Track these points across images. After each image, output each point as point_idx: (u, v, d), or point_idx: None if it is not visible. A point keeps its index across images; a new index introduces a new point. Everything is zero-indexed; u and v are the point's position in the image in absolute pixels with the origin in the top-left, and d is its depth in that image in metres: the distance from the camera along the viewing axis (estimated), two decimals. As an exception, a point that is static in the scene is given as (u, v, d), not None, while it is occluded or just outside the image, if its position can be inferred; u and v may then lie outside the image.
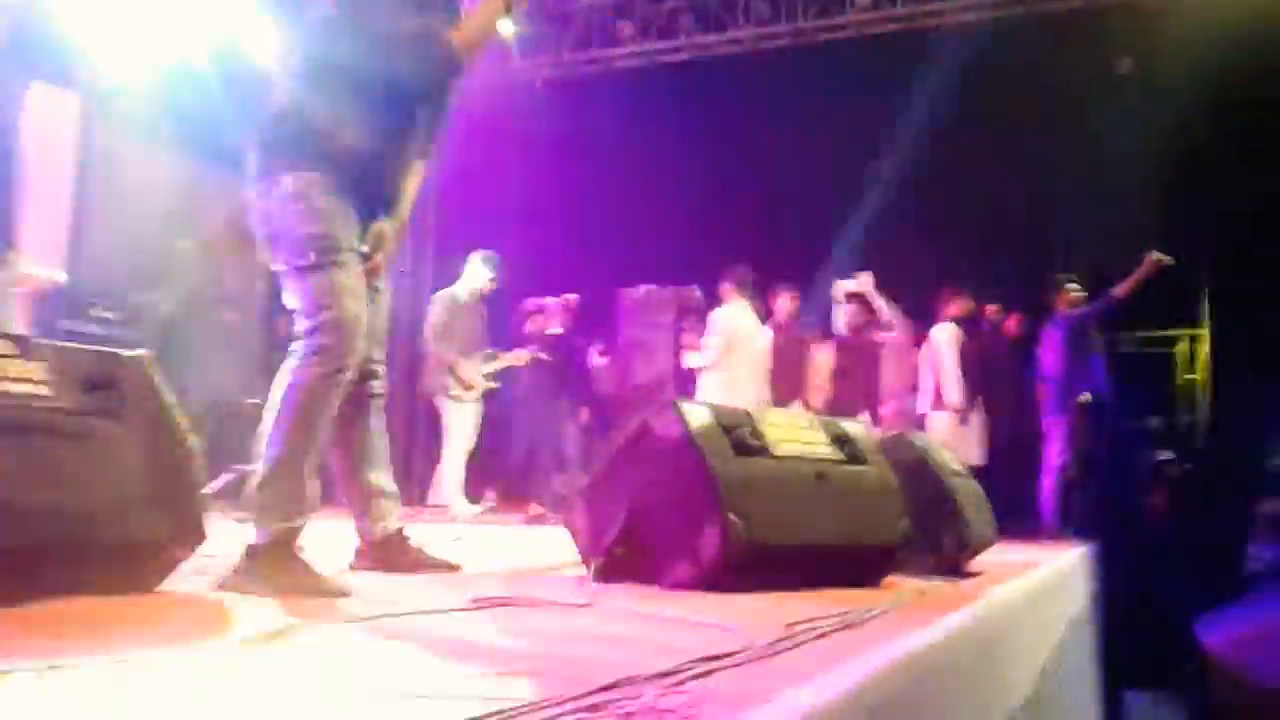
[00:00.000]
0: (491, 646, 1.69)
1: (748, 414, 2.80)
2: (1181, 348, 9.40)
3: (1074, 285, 7.03)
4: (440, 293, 6.99)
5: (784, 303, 7.50)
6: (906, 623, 2.00)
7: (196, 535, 2.16)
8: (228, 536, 2.40)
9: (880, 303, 7.46)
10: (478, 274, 6.86)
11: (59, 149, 7.58)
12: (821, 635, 1.77)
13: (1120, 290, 6.69)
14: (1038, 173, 8.61)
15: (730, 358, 6.98)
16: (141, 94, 7.86)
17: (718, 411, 2.74)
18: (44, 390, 2.02)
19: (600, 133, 9.62)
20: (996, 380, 7.46)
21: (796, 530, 2.65)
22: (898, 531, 2.86)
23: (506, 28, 7.50)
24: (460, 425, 6.80)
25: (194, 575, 2.27)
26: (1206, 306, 9.22)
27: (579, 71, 10.03)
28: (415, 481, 8.52)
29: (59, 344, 2.20)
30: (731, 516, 2.50)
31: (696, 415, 2.67)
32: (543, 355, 7.63)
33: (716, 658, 1.45)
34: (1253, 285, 8.17)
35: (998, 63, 8.45)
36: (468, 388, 6.75)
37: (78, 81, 7.51)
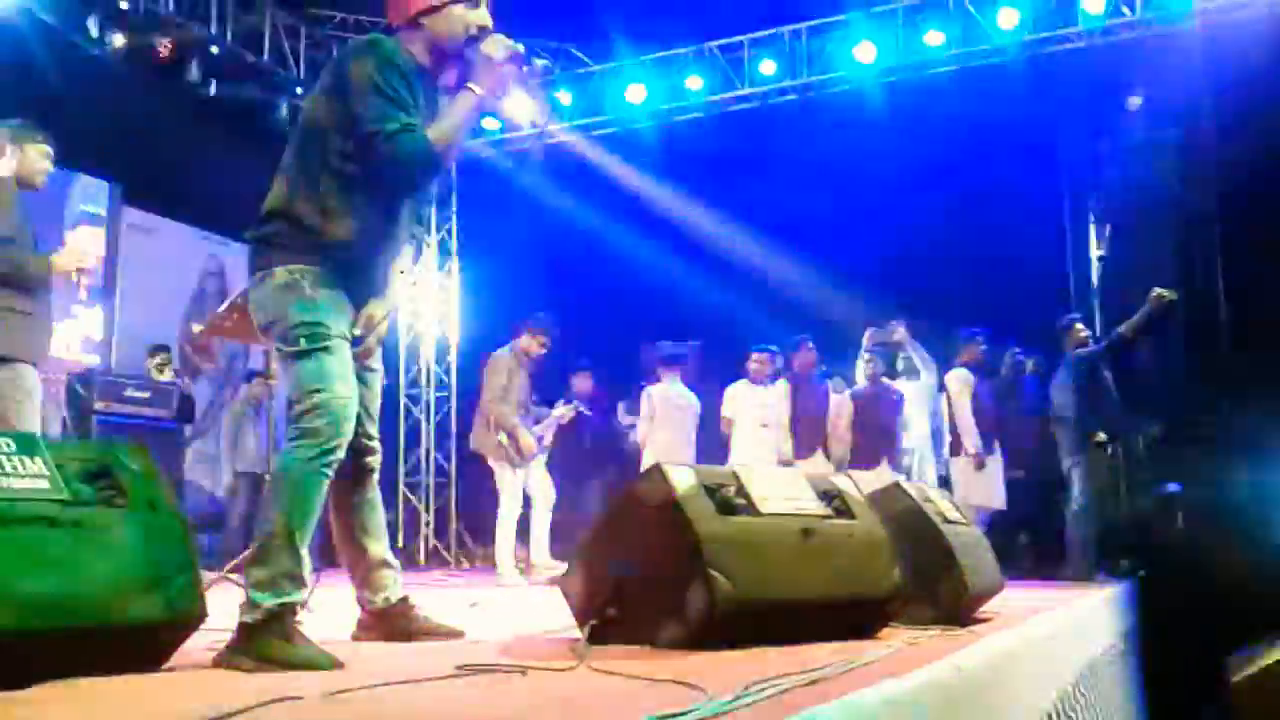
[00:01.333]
0: (460, 713, 1.76)
1: (734, 474, 2.87)
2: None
3: (1080, 325, 7.05)
4: (497, 353, 7.11)
5: (802, 354, 7.59)
6: (883, 673, 2.03)
7: (197, 615, 2.26)
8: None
9: (913, 351, 7.55)
10: (533, 336, 7.00)
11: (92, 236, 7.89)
12: (783, 691, 1.82)
13: (1126, 329, 6.71)
14: (1050, 214, 8.66)
15: (662, 432, 7.49)
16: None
17: (702, 473, 2.81)
18: (43, 484, 2.14)
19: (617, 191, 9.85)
20: (1015, 424, 7.47)
21: (784, 586, 2.70)
22: (890, 583, 2.90)
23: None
24: (515, 488, 6.92)
25: (206, 651, 2.38)
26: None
27: (590, 132, 10.26)
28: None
29: (57, 439, 2.33)
30: (716, 575, 2.56)
31: (680, 478, 2.74)
32: (585, 410, 7.80)
33: (665, 718, 1.51)
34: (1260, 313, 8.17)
35: (1010, 102, 8.55)
36: (525, 454, 6.85)
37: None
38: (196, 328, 4.95)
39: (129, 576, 2.17)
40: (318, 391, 2.48)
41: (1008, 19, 8.66)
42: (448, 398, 11.08)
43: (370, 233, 2.68)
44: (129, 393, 7.07)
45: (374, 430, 2.86)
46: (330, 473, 2.49)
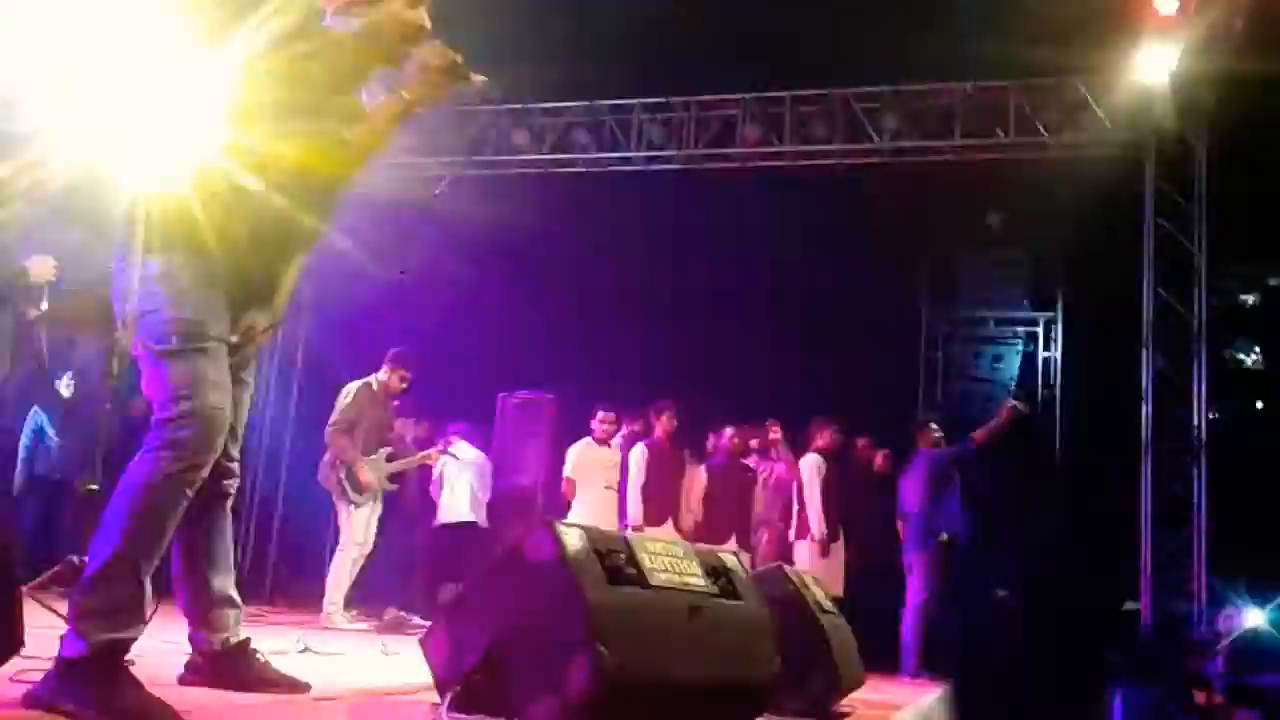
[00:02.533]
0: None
1: (625, 540, 2.71)
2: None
3: (935, 426, 7.26)
4: (351, 384, 6.76)
5: (664, 420, 7.51)
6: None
7: (11, 644, 1.94)
8: (56, 636, 2.16)
9: (784, 451, 7.60)
10: (394, 371, 6.70)
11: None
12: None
13: (979, 435, 6.93)
14: (912, 313, 8.94)
15: (582, 489, 7.39)
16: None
17: (593, 535, 2.63)
18: None
19: (488, 234, 9.62)
20: (860, 513, 7.56)
21: (668, 666, 2.54)
22: (770, 669, 2.79)
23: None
24: (356, 528, 6.52)
25: (10, 684, 2.03)
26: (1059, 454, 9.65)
27: (471, 173, 10.02)
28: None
29: None
30: (601, 649, 2.38)
31: (571, 538, 2.57)
32: (453, 454, 7.54)
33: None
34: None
35: (877, 205, 8.80)
36: (363, 491, 6.48)
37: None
38: (32, 313, 4.50)
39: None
40: (187, 398, 2.20)
41: (889, 123, 8.96)
42: (285, 423, 10.49)
43: (266, 233, 2.43)
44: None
45: (236, 451, 2.57)
46: (191, 492, 2.20)
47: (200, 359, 2.24)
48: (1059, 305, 9.92)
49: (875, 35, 7.94)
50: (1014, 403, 6.87)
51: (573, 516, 7.21)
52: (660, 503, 7.33)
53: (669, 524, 7.35)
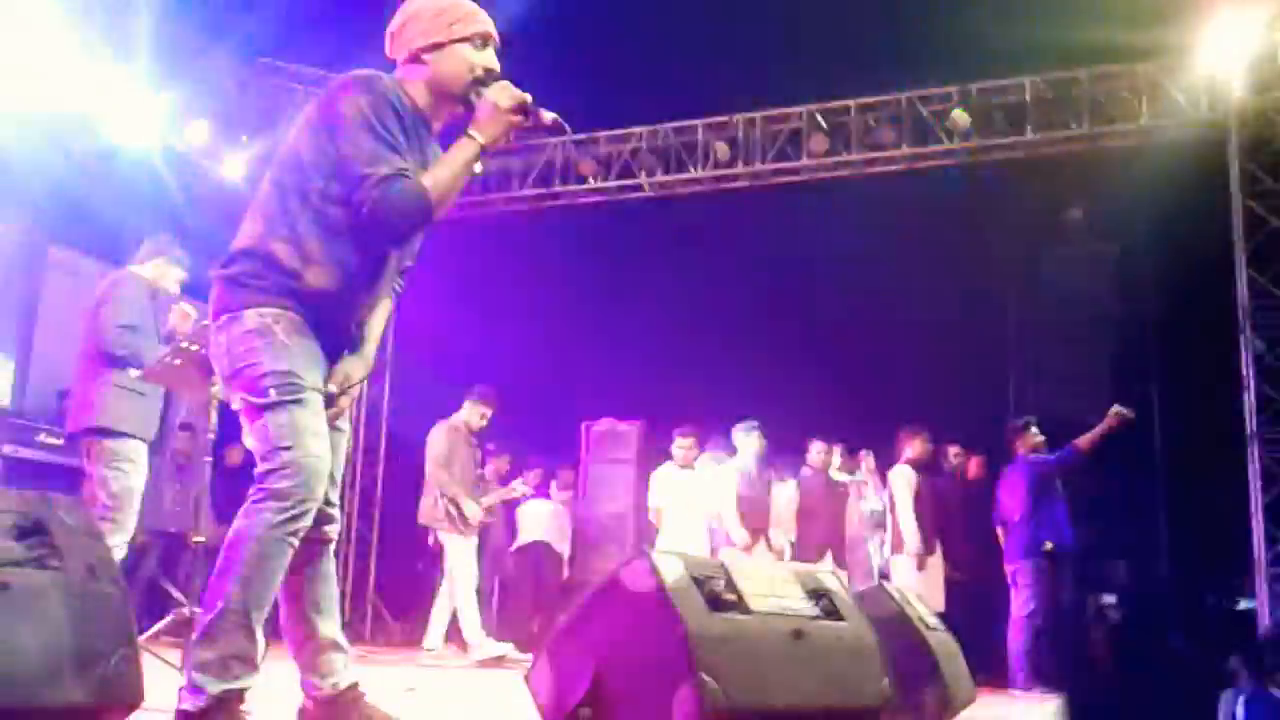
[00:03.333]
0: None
1: (722, 565, 2.69)
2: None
3: (1035, 430, 7.04)
4: (439, 424, 6.99)
5: (754, 440, 7.45)
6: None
7: (132, 698, 1.99)
8: (168, 688, 2.21)
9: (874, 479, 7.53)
10: (474, 407, 6.90)
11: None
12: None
13: (1083, 442, 6.72)
14: (996, 315, 8.77)
15: (670, 515, 7.34)
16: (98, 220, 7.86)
17: (690, 563, 2.62)
18: (-31, 538, 1.88)
19: (561, 267, 9.71)
20: (955, 524, 7.40)
21: (774, 692, 2.51)
22: (880, 692, 2.73)
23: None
24: (468, 560, 6.72)
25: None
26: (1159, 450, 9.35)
27: (540, 206, 10.12)
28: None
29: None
30: (706, 678, 2.36)
31: (670, 567, 2.55)
32: (530, 488, 7.69)
33: None
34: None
35: (956, 207, 8.66)
36: (471, 520, 6.67)
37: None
38: (133, 373, 4.64)
39: (61, 651, 1.90)
40: (288, 449, 2.24)
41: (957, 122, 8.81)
42: (376, 463, 10.67)
43: (350, 282, 2.47)
44: (41, 438, 6.64)
45: (335, 497, 2.60)
46: (296, 541, 2.24)
47: (298, 409, 2.28)
48: (1149, 296, 9.63)
49: (937, 35, 7.83)
50: (1119, 408, 6.65)
51: (662, 543, 7.18)
52: (752, 523, 7.26)
53: (761, 544, 7.28)
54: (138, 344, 4.60)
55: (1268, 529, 7.28)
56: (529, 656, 6.85)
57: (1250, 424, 7.49)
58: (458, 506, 6.66)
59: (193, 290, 4.74)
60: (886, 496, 7.38)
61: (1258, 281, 7.60)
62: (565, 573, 8.78)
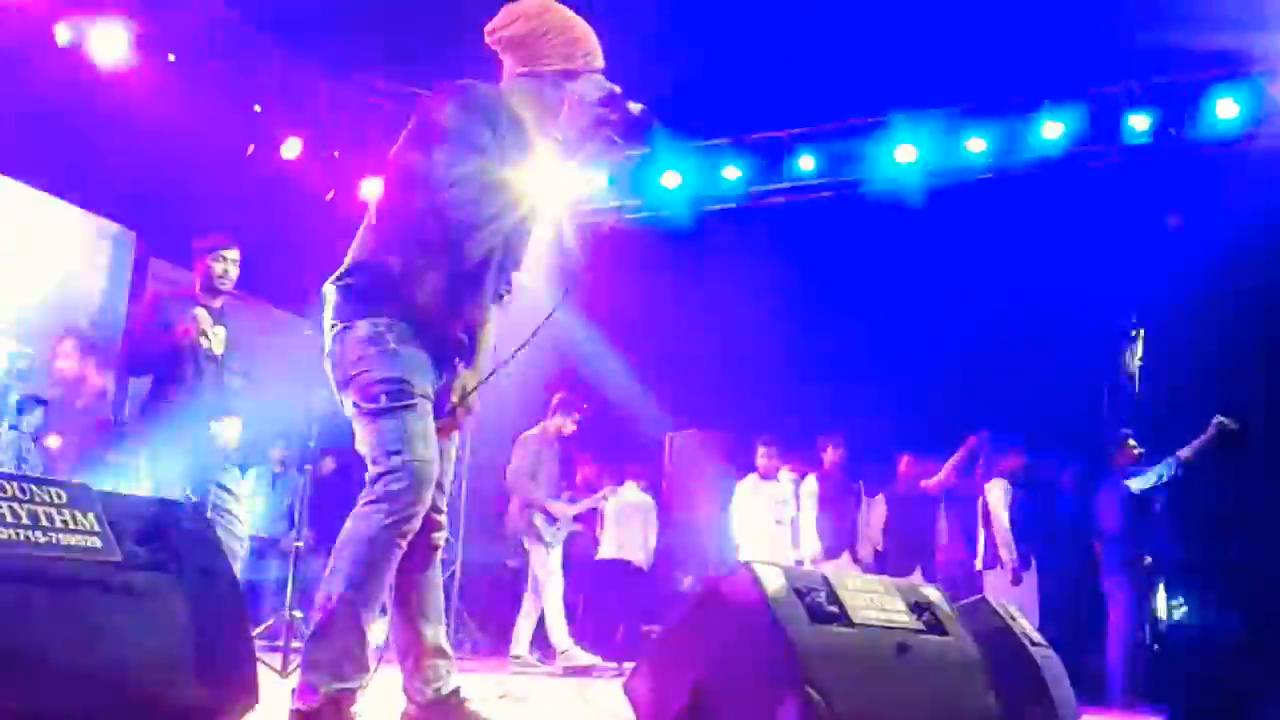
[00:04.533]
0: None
1: (824, 578, 2.65)
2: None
3: (1133, 441, 6.86)
4: (525, 434, 7.06)
5: (829, 453, 7.41)
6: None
7: (249, 699, 2.03)
8: (274, 694, 2.26)
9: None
10: (563, 414, 6.91)
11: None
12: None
13: (1185, 454, 6.52)
14: (1087, 325, 8.54)
15: (751, 526, 7.28)
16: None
17: (792, 574, 2.59)
18: (95, 542, 1.94)
19: (646, 278, 9.71)
20: (1052, 537, 7.23)
21: (879, 706, 2.46)
22: (987, 708, 2.66)
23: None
24: (555, 567, 6.77)
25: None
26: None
27: (626, 217, 10.15)
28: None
29: (112, 493, 2.14)
30: (811, 691, 2.33)
31: (771, 578, 2.53)
32: (621, 495, 7.69)
33: None
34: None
35: (1043, 219, 8.48)
36: (557, 526, 6.76)
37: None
38: (232, 380, 4.70)
39: (181, 653, 1.95)
40: (398, 453, 2.29)
41: (1051, 130, 8.63)
42: (460, 470, 10.79)
43: (455, 292, 2.51)
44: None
45: (443, 504, 2.64)
46: (404, 543, 2.28)
47: (409, 415, 2.33)
48: (1248, 304, 9.26)
49: (1032, 39, 7.68)
50: (1221, 419, 6.44)
51: (743, 554, 7.14)
52: (837, 535, 7.19)
53: (845, 556, 7.20)
54: None
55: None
56: (614, 665, 6.87)
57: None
58: (543, 515, 6.70)
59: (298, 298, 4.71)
60: (980, 511, 7.24)
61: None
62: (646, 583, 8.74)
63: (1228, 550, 7.69)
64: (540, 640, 7.35)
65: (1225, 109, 7.91)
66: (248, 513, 7.56)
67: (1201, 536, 7.18)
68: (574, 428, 7.00)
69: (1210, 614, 7.65)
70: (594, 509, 7.85)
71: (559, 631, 6.68)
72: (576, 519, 7.07)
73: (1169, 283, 8.79)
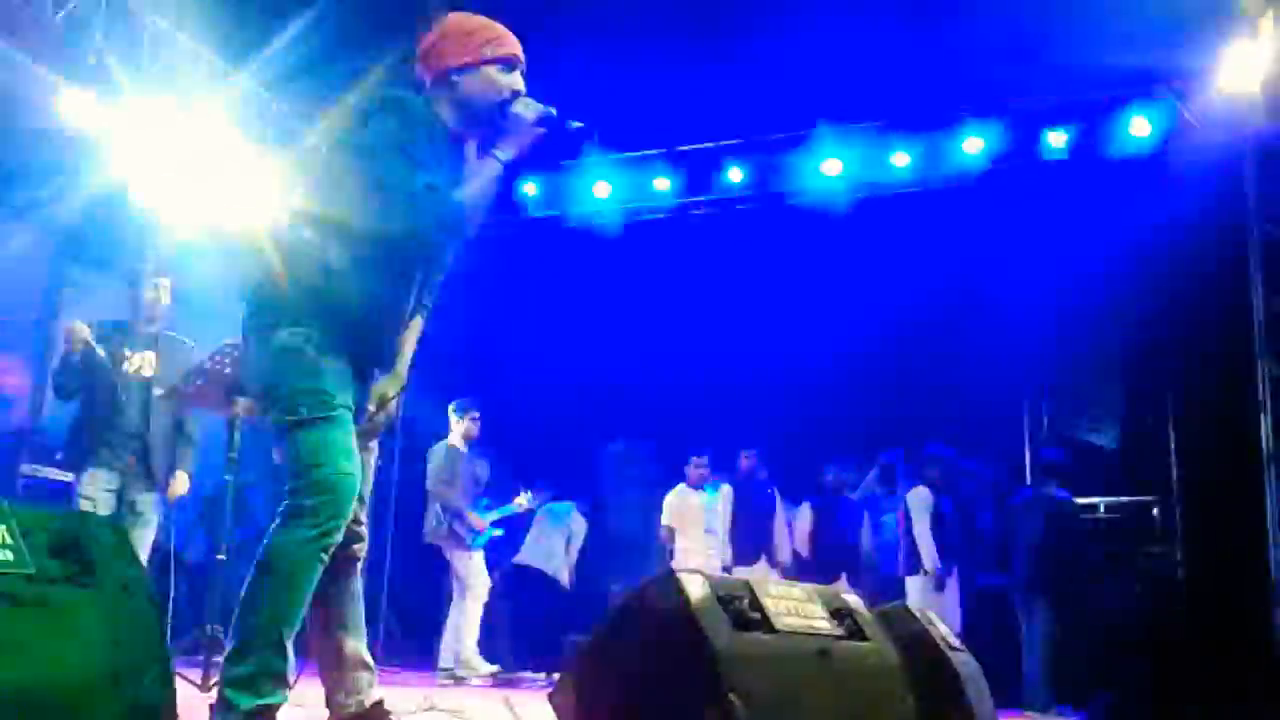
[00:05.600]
0: None
1: (747, 584, 2.69)
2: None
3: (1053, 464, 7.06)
4: (438, 444, 7.09)
5: (745, 460, 7.52)
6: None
7: (166, 716, 2.00)
8: (194, 710, 2.23)
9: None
10: (462, 419, 6.91)
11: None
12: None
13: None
14: (1011, 335, 8.75)
15: (681, 535, 7.40)
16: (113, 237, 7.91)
17: (715, 582, 2.62)
18: (7, 555, 1.90)
19: (576, 286, 9.72)
20: (973, 544, 7.39)
21: (801, 712, 2.51)
22: (905, 712, 2.72)
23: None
24: (476, 573, 6.74)
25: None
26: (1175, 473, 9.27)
27: (559, 227, 10.14)
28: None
29: (24, 504, 2.10)
30: (733, 698, 2.36)
31: (693, 585, 2.55)
32: (540, 501, 7.66)
33: None
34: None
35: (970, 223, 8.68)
36: (479, 531, 6.68)
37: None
38: (157, 391, 4.72)
39: (97, 669, 1.91)
40: (319, 466, 2.27)
41: (972, 145, 8.84)
42: (389, 483, 10.67)
43: (381, 300, 2.51)
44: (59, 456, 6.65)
45: (364, 515, 2.63)
46: (326, 558, 2.26)
47: (329, 428, 2.31)
48: (1165, 318, 9.57)
49: (955, 56, 7.85)
50: None
51: (674, 563, 7.22)
52: (754, 541, 7.29)
53: (762, 562, 7.31)
54: None
55: (1284, 554, 7.24)
56: (543, 675, 6.87)
57: (1267, 446, 7.46)
58: (460, 518, 6.70)
59: (218, 315, 4.77)
60: (902, 515, 7.37)
61: (1275, 303, 7.58)
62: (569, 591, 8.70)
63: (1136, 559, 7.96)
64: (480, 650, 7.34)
65: (1139, 127, 8.19)
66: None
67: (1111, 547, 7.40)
68: (477, 426, 7.02)
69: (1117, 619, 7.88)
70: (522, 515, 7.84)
71: (469, 638, 6.64)
72: (496, 526, 7.08)
73: (1083, 294, 9.08)
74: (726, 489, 7.50)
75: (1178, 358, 8.82)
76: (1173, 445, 9.22)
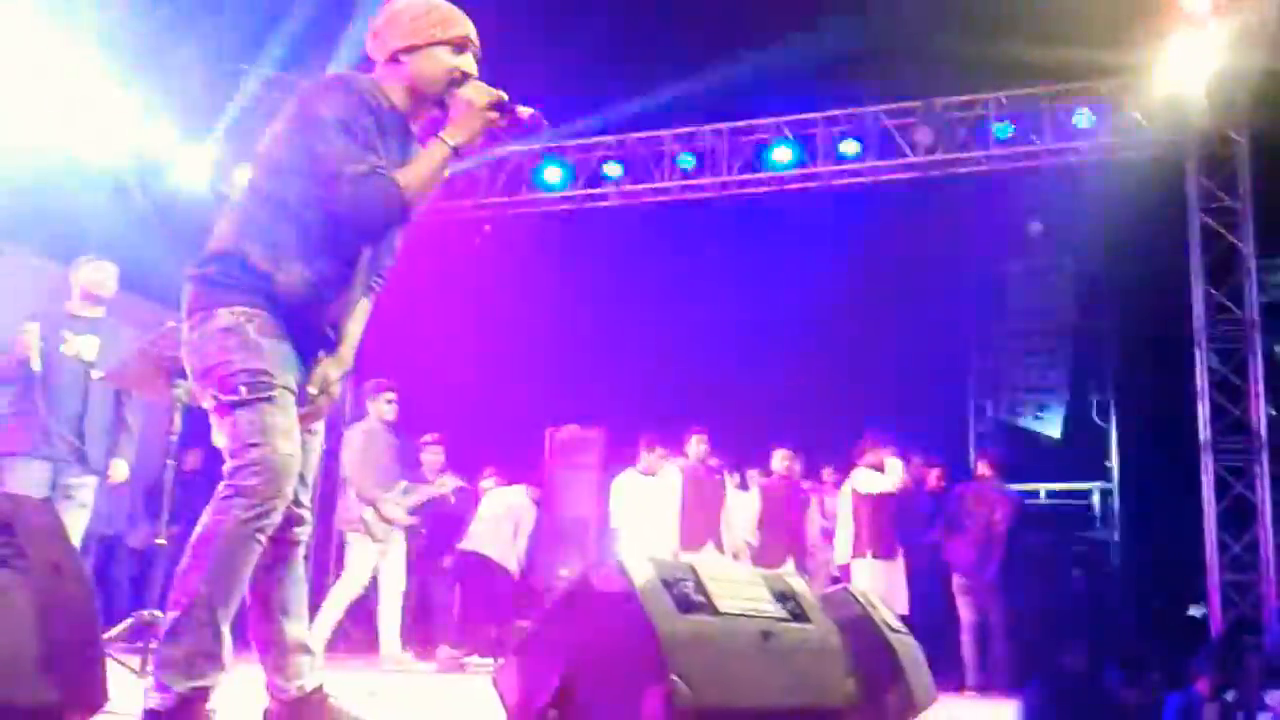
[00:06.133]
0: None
1: (691, 568, 2.71)
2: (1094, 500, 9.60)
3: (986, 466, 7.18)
4: (354, 426, 6.86)
5: (693, 445, 7.50)
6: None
7: (97, 698, 1.97)
8: (132, 694, 2.19)
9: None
10: (376, 401, 6.75)
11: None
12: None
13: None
14: (957, 327, 8.87)
15: (630, 521, 7.30)
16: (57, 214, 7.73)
17: (660, 565, 2.63)
18: (-65, 536, 1.86)
19: (527, 273, 9.69)
20: (918, 529, 7.49)
21: (742, 693, 2.53)
22: (845, 693, 2.76)
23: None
24: (363, 565, 6.53)
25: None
26: (1115, 460, 9.49)
27: (506, 214, 10.09)
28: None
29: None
30: (675, 678, 2.37)
31: (639, 570, 2.57)
32: (465, 485, 7.50)
33: None
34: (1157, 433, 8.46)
35: (919, 220, 8.76)
36: (389, 523, 6.51)
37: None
38: (96, 374, 4.62)
39: (26, 651, 1.88)
40: (256, 446, 2.24)
41: (922, 136, 8.90)
42: (334, 467, 10.56)
43: (324, 282, 2.47)
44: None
45: (307, 499, 2.59)
46: (264, 538, 2.23)
47: (269, 407, 2.28)
48: (1107, 309, 9.78)
49: (904, 49, 7.92)
50: None
51: (622, 548, 7.19)
52: (699, 526, 7.29)
53: (710, 546, 7.31)
54: None
55: (1219, 536, 7.44)
56: (489, 661, 6.83)
57: (1204, 434, 7.65)
58: (375, 508, 6.49)
59: (164, 294, 4.69)
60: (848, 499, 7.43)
61: (1213, 296, 7.76)
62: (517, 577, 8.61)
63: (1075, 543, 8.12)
64: (419, 637, 7.26)
65: (1082, 120, 8.31)
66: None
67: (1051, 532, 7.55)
68: (394, 407, 6.78)
69: (1054, 599, 8.04)
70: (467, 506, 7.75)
71: (326, 625, 6.40)
72: (414, 513, 6.81)
73: (1022, 284, 9.26)
74: (675, 474, 7.47)
75: (1117, 347, 9.00)
76: (1113, 433, 9.44)
